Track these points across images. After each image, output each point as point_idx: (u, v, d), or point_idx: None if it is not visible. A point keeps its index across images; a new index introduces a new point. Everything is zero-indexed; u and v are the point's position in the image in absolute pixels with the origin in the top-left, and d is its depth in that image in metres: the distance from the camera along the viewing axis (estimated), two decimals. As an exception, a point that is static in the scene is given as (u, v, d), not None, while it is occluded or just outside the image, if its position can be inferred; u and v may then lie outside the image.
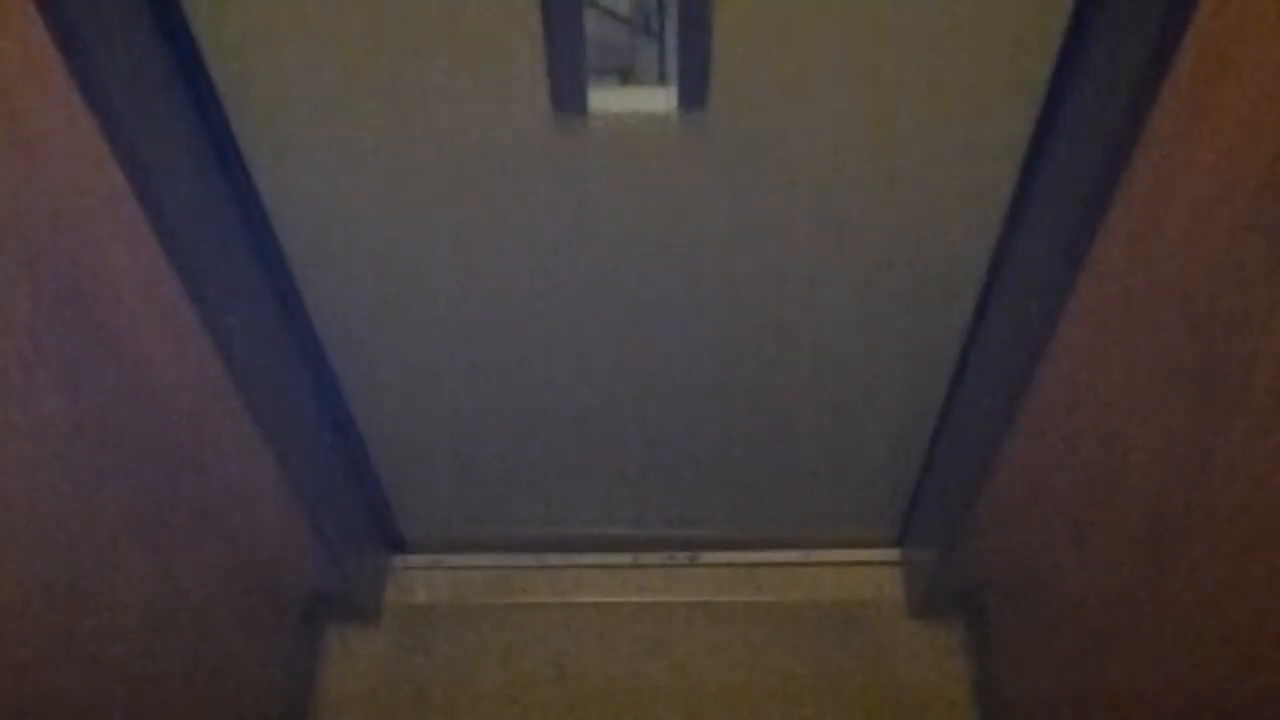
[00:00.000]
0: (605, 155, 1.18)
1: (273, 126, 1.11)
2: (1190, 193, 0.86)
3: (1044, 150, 1.09)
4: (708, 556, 1.90)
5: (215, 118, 1.09)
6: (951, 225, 1.22)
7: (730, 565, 1.89)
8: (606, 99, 1.13)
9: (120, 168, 0.95)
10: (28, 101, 0.85)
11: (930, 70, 1.05)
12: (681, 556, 1.90)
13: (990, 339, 1.33)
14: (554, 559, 1.90)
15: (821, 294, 1.34)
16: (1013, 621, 1.56)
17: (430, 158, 1.16)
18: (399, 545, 1.91)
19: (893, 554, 1.89)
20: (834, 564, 1.88)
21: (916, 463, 1.68)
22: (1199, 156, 0.84)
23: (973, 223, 1.22)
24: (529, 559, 1.90)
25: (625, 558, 1.90)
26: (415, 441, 1.66)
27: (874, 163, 1.15)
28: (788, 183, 1.18)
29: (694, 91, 1.10)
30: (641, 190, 1.22)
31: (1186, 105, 0.84)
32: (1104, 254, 1.00)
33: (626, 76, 1.17)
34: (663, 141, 1.17)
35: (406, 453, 1.69)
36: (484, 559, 1.91)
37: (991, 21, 1.01)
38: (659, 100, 1.14)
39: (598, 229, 1.26)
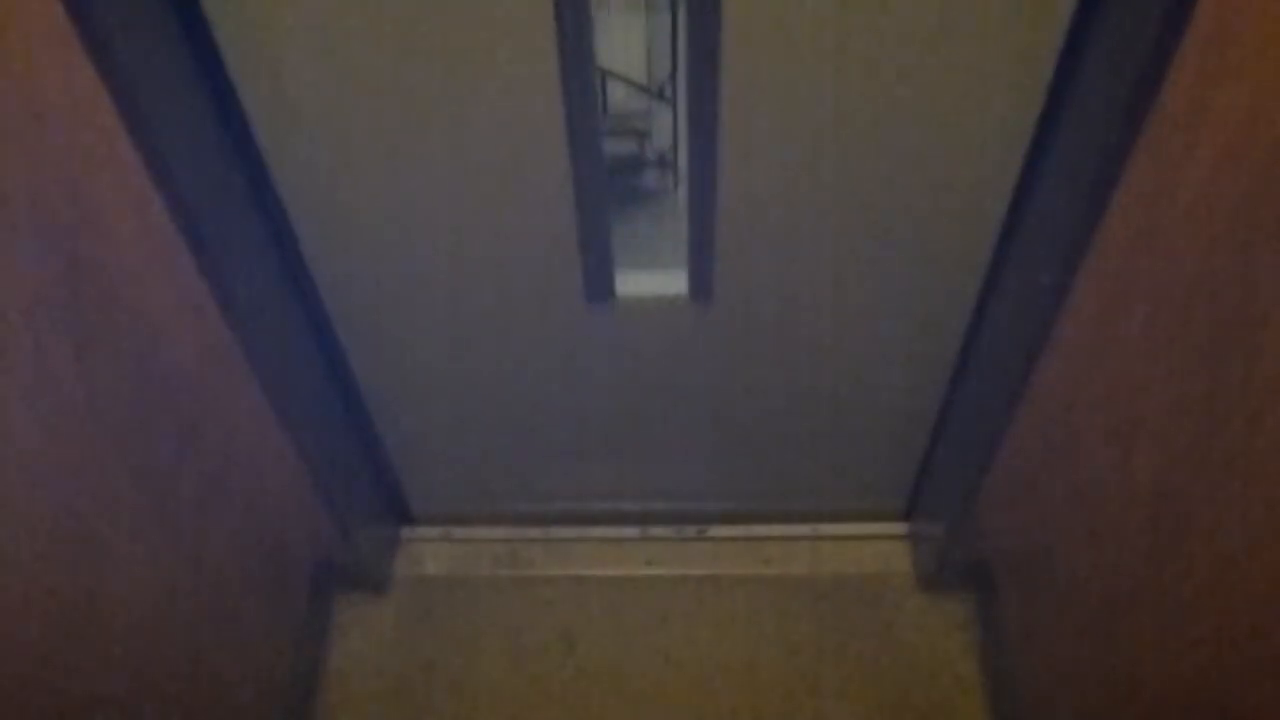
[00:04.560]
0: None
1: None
2: (1196, 173, 0.86)
3: (1054, 129, 1.09)
4: (716, 530, 1.90)
5: (225, 91, 1.09)
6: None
7: (738, 539, 1.89)
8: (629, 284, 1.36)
9: (131, 140, 0.95)
10: (43, 76, 0.85)
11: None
12: (690, 530, 1.90)
13: (998, 316, 1.32)
14: (562, 532, 1.91)
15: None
16: (1019, 595, 1.56)
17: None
18: (408, 518, 1.92)
19: (900, 528, 1.89)
20: (842, 538, 1.89)
21: (924, 438, 1.68)
22: (1204, 139, 0.84)
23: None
24: (537, 532, 1.91)
25: (633, 531, 1.90)
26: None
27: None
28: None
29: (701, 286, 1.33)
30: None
31: (1192, 91, 0.84)
32: (1112, 230, 1.00)
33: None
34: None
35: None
36: (492, 532, 1.91)
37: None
38: (673, 285, 1.36)
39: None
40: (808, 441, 1.70)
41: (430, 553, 1.90)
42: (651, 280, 1.38)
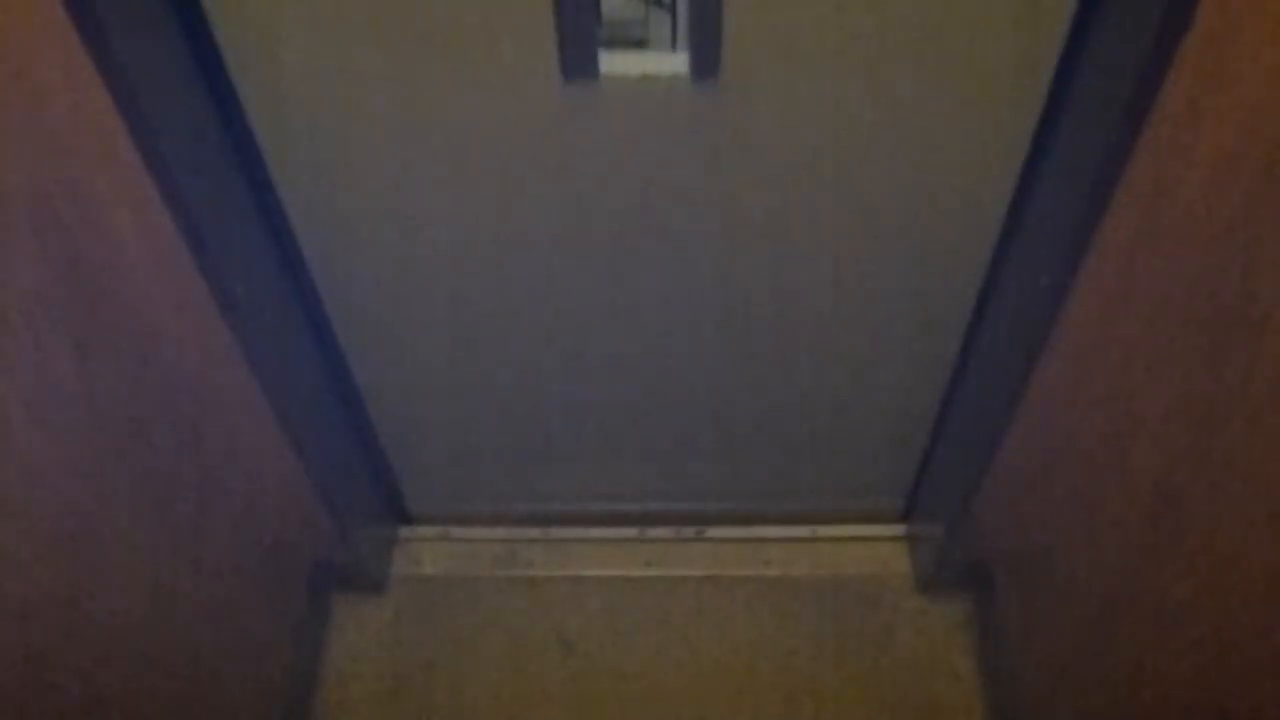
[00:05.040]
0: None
1: (281, 101, 1.11)
2: (1197, 172, 0.86)
3: (1054, 129, 1.09)
4: (714, 531, 1.90)
5: (225, 90, 1.09)
6: (961, 200, 1.22)
7: (737, 540, 1.89)
8: (617, 63, 1.13)
9: (132, 140, 0.95)
10: (43, 76, 0.85)
11: (940, 46, 1.05)
12: (688, 531, 1.90)
13: (998, 316, 1.32)
14: (560, 532, 1.91)
15: (829, 267, 1.33)
16: (1018, 596, 1.57)
17: (439, 126, 1.16)
18: (406, 517, 1.92)
19: (899, 529, 1.89)
20: (840, 539, 1.89)
21: (923, 438, 1.68)
22: (1205, 138, 0.84)
23: (984, 197, 1.21)
24: (535, 532, 1.91)
25: (632, 531, 1.90)
26: (422, 414, 1.66)
27: (882, 135, 1.15)
28: (798, 151, 1.18)
29: (706, 60, 1.10)
30: (652, 154, 1.22)
31: (1191, 91, 0.84)
32: (1113, 230, 1.00)
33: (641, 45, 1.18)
34: (674, 108, 1.16)
35: (414, 425, 1.69)
36: (490, 532, 1.91)
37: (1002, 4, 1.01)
38: (670, 65, 1.13)
39: (606, 197, 1.26)
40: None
41: (429, 552, 1.90)
42: (644, 60, 1.14)
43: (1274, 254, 0.78)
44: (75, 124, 0.91)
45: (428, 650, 1.80)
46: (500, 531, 1.91)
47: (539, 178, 1.22)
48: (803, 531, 1.89)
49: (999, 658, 1.67)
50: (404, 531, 1.92)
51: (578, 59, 1.11)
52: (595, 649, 1.80)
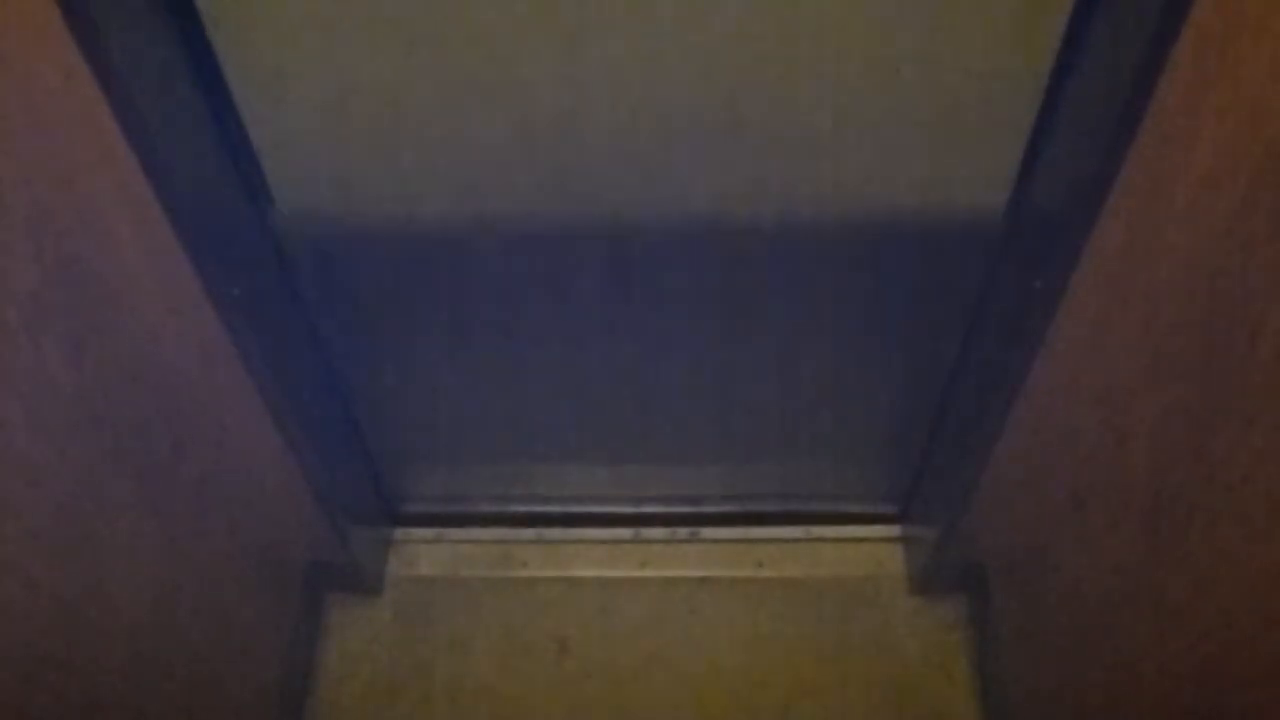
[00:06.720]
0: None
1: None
2: (1193, 172, 0.86)
3: (1050, 128, 1.09)
4: (709, 532, 1.90)
5: (222, 91, 1.08)
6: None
7: (731, 541, 1.89)
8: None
9: (129, 142, 0.95)
10: (34, 70, 0.85)
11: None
12: (682, 532, 1.90)
13: (995, 316, 1.33)
14: (555, 533, 1.90)
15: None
16: (1013, 598, 1.57)
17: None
18: (401, 518, 1.91)
19: (894, 530, 1.89)
20: (835, 540, 1.89)
21: (920, 439, 1.68)
22: (1202, 137, 0.84)
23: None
24: (530, 533, 1.90)
25: (626, 533, 1.90)
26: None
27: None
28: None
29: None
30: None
31: (1188, 89, 0.84)
32: (1108, 231, 1.00)
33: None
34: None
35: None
36: (485, 533, 1.91)
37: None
38: None
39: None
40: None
41: (424, 554, 1.90)
42: None
43: (1271, 254, 0.78)
44: (72, 126, 0.90)
45: (423, 651, 1.80)
46: (495, 533, 1.91)
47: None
48: (798, 533, 1.89)
49: (994, 659, 1.67)
50: (399, 533, 1.92)
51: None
52: (590, 650, 1.80)
